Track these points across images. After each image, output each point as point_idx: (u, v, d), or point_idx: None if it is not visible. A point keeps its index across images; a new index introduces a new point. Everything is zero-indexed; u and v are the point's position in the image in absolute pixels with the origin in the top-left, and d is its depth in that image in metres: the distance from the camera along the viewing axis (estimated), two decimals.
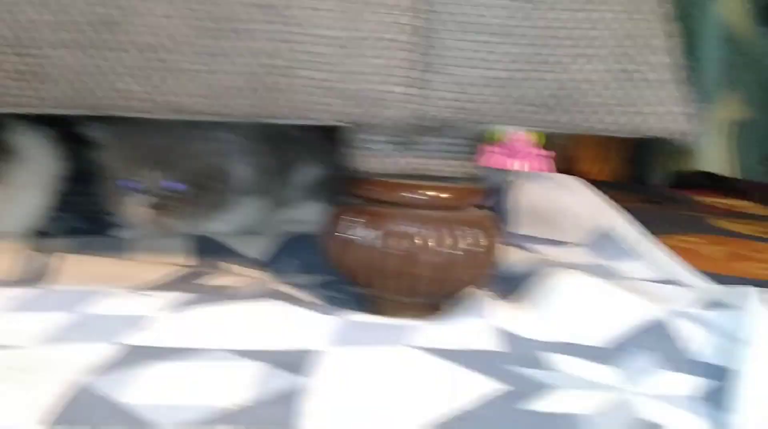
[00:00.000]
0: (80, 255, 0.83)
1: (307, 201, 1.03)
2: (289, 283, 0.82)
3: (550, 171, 1.69)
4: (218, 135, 0.95)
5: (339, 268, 0.74)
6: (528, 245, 0.95)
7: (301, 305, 0.72)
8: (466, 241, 0.70)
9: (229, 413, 0.50)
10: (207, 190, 0.95)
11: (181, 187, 0.93)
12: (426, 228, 0.69)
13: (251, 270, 0.89)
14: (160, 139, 0.93)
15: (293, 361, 0.57)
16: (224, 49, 0.63)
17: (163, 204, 0.92)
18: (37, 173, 0.93)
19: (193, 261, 0.90)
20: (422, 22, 0.61)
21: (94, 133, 0.95)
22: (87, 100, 0.65)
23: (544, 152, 1.76)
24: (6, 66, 0.65)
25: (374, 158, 0.68)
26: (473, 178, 0.70)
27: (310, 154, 1.04)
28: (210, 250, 0.92)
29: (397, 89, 0.62)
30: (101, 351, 0.58)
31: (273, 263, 0.91)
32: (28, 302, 0.69)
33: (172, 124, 0.92)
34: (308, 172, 1.03)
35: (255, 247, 0.93)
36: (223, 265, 0.89)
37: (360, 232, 0.70)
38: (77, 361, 0.55)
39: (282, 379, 0.54)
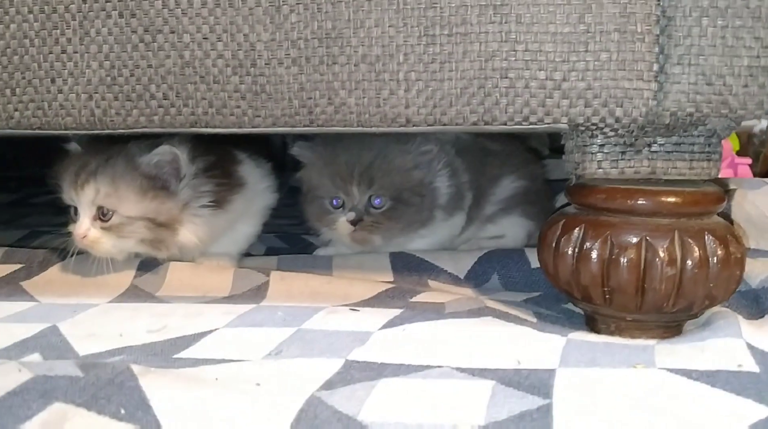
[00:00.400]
0: (290, 273, 0.84)
1: (508, 214, 1.00)
2: (495, 300, 0.78)
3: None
4: (422, 149, 0.93)
5: (557, 283, 0.69)
6: (760, 259, 0.85)
7: (518, 323, 0.69)
8: (704, 251, 0.62)
9: None
10: (410, 205, 0.94)
11: (385, 203, 0.93)
12: (658, 237, 0.62)
13: (456, 287, 0.86)
14: (364, 156, 0.93)
15: (527, 381, 0.53)
16: (439, 56, 0.61)
17: (368, 221, 0.93)
18: (256, 204, 0.97)
19: (390, 277, 0.89)
20: (660, 10, 0.56)
21: (299, 152, 0.98)
22: (305, 116, 0.66)
23: (744, 159, 1.61)
24: (227, 87, 0.66)
25: (599, 163, 0.62)
26: (712, 182, 0.64)
27: (511, 166, 1.00)
28: (407, 266, 0.90)
29: (634, 85, 0.57)
30: (328, 366, 0.57)
31: (471, 279, 0.88)
32: (250, 319, 0.70)
33: (375, 140, 0.93)
34: (509, 186, 1.00)
35: (452, 263, 0.90)
36: (427, 281, 0.87)
37: (583, 244, 0.65)
38: (308, 375, 0.54)
39: (518, 399, 0.50)
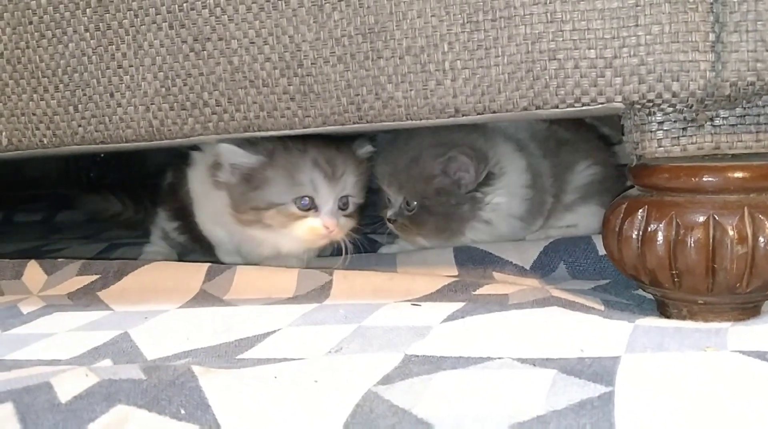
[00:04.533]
0: (354, 271, 0.84)
1: (586, 203, 0.97)
2: (562, 289, 0.76)
3: None
4: (456, 159, 0.91)
5: (623, 268, 0.66)
6: None
7: (584, 311, 0.66)
8: None
9: (525, 424, 0.45)
10: (434, 214, 0.93)
11: (413, 208, 0.94)
12: (726, 215, 0.59)
13: (521, 277, 0.84)
14: (400, 159, 0.94)
15: (590, 369, 0.51)
16: (484, 42, 0.60)
17: (400, 221, 0.95)
18: None
19: (454, 271, 0.87)
20: None
21: (368, 146, 0.97)
22: (353, 113, 0.65)
23: None
24: (276, 89, 0.67)
25: (660, 141, 0.60)
26: None
27: (583, 152, 0.97)
28: (471, 259, 0.89)
29: (690, 57, 0.54)
30: (387, 360, 0.56)
31: (537, 269, 0.86)
32: (312, 318, 0.70)
33: (420, 142, 0.93)
34: (583, 172, 0.97)
35: (517, 254, 0.88)
36: (492, 273, 0.85)
37: (647, 226, 0.62)
38: (366, 371, 0.54)
39: (579, 388, 0.48)
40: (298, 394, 0.50)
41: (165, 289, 0.85)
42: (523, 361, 0.54)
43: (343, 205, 0.88)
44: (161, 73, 0.69)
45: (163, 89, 0.69)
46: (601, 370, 0.51)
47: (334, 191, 0.88)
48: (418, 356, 0.57)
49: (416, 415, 0.46)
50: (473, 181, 0.92)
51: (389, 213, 0.96)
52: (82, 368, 0.55)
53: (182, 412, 0.48)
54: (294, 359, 0.59)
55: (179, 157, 1.01)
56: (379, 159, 0.98)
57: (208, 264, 0.88)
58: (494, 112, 0.61)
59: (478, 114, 0.62)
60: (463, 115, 0.62)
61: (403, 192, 0.94)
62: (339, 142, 0.90)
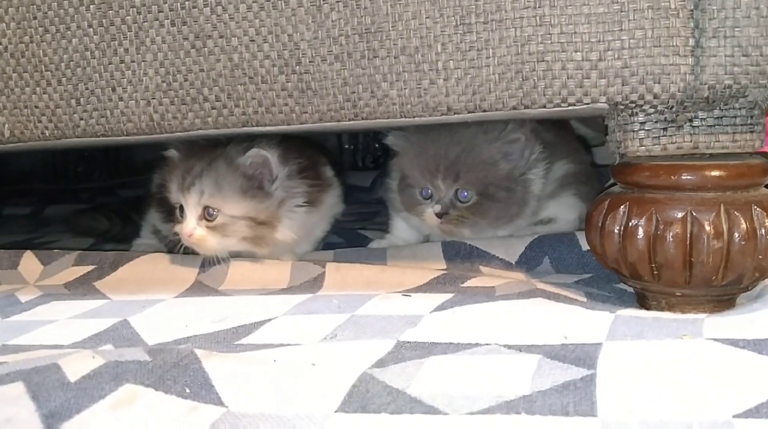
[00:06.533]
0: (346, 264, 0.86)
1: (557, 197, 1.00)
2: (546, 282, 0.79)
3: None
4: (509, 138, 0.92)
5: (605, 262, 0.69)
6: None
7: (568, 302, 0.70)
8: (751, 223, 0.62)
9: (513, 402, 0.48)
10: (497, 200, 0.93)
11: (471, 197, 0.92)
12: (703, 211, 0.63)
13: (507, 271, 0.87)
14: (450, 148, 0.92)
15: (572, 355, 0.54)
16: (476, 43, 0.63)
17: (453, 214, 0.93)
18: (331, 209, 1.02)
19: (443, 265, 0.90)
20: None
21: (393, 141, 0.98)
22: (349, 110, 0.68)
23: None
24: (275, 86, 0.69)
25: (641, 140, 0.63)
26: (756, 153, 0.63)
27: (562, 152, 1.00)
28: (459, 254, 0.92)
29: (671, 60, 0.58)
30: (380, 346, 0.59)
31: (523, 263, 0.89)
32: (307, 307, 0.73)
33: (464, 131, 0.92)
34: (559, 169, 1.00)
35: (503, 249, 0.91)
36: (479, 267, 0.88)
37: (628, 222, 0.65)
38: (361, 356, 0.56)
39: (563, 371, 0.51)
40: (296, 375, 0.53)
41: (161, 280, 0.87)
42: (509, 347, 0.57)
43: (208, 216, 0.87)
44: (162, 69, 0.71)
45: (164, 84, 0.72)
46: (583, 355, 0.54)
47: (190, 200, 0.88)
48: (410, 342, 0.60)
49: (410, 395, 0.49)
50: (526, 163, 0.93)
51: (435, 208, 0.93)
52: (87, 351, 0.57)
53: (187, 391, 0.50)
54: (291, 345, 0.61)
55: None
56: (409, 156, 0.96)
57: (203, 256, 0.90)
58: (485, 110, 0.64)
59: (470, 112, 0.65)
60: (455, 114, 0.65)
61: (459, 183, 0.92)
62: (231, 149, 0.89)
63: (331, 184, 0.99)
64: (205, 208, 0.88)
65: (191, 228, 0.87)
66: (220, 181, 0.87)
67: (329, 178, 0.99)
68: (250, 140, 0.89)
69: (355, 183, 1.59)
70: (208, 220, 0.88)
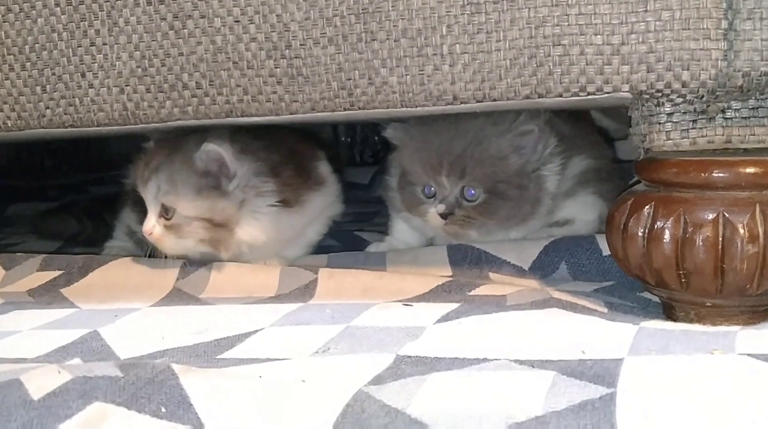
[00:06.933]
0: (341, 270, 0.87)
1: (575, 195, 1.00)
2: (562, 291, 0.79)
3: None
4: (521, 130, 0.91)
5: (628, 268, 0.69)
6: None
7: (586, 313, 0.70)
8: None
9: (524, 424, 0.48)
10: (507, 199, 0.92)
11: (478, 196, 0.92)
12: (736, 212, 0.62)
13: (520, 278, 0.87)
14: (456, 142, 0.92)
15: (591, 371, 0.54)
16: (485, 26, 0.63)
17: (459, 215, 0.92)
18: (329, 210, 1.02)
19: (448, 271, 0.90)
20: None
21: (393, 134, 0.98)
22: (344, 98, 0.68)
23: None
24: (262, 72, 0.70)
25: (668, 133, 0.63)
26: None
27: (580, 146, 1.00)
28: (466, 258, 0.92)
29: (701, 45, 0.57)
30: (378, 361, 0.59)
31: (536, 270, 0.89)
32: (297, 317, 0.73)
33: (470, 122, 0.91)
34: (577, 164, 1.00)
35: (515, 254, 0.91)
36: (488, 274, 0.88)
37: (654, 224, 0.65)
38: (356, 371, 0.56)
39: (580, 389, 0.51)
40: (284, 393, 0.53)
41: (135, 287, 0.87)
42: (521, 362, 0.57)
43: (165, 214, 0.88)
44: (137, 53, 0.71)
45: (140, 70, 0.72)
46: (602, 372, 0.54)
47: (148, 195, 0.89)
48: (410, 357, 0.60)
49: (410, 415, 0.49)
50: (540, 157, 0.92)
51: (439, 208, 0.92)
52: (53, 365, 0.57)
53: (163, 410, 0.50)
54: (279, 359, 0.61)
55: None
56: (410, 150, 0.96)
57: (182, 260, 0.90)
58: (494, 100, 0.64)
59: (478, 102, 0.65)
60: (461, 103, 0.65)
61: (465, 179, 0.91)
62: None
63: (322, 181, 0.99)
64: (162, 205, 0.88)
65: (150, 226, 0.88)
66: (174, 177, 0.88)
67: (320, 176, 0.99)
68: (233, 131, 0.89)
69: (352, 180, 1.59)
70: (165, 219, 0.88)
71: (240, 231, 0.89)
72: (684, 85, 0.59)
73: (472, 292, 0.78)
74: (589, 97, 0.63)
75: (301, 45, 0.68)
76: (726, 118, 0.62)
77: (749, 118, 0.61)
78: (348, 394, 0.52)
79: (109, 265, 0.91)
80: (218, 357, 0.64)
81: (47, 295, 0.88)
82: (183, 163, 0.88)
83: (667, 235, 0.64)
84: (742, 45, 0.57)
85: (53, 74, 0.74)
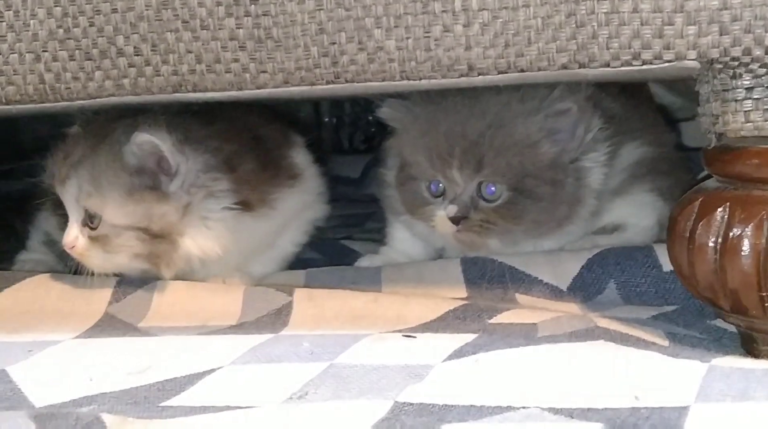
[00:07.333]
0: (323, 290, 0.86)
1: (626, 193, 0.99)
2: (611, 318, 0.79)
3: None
4: (555, 109, 0.90)
5: (695, 288, 0.69)
6: None
7: (641, 347, 0.70)
8: None
9: None
10: (538, 199, 0.92)
11: (500, 193, 0.91)
12: None
13: (556, 301, 0.87)
14: (471, 124, 0.90)
15: (647, 423, 0.54)
16: None
17: (475, 219, 0.92)
18: (306, 213, 1.04)
19: (462, 291, 0.90)
20: None
21: (390, 113, 0.97)
22: (327, 68, 0.68)
23: None
24: (220, 34, 0.69)
25: (747, 114, 0.63)
26: None
27: (633, 130, 1.00)
28: (485, 276, 0.92)
29: None
30: (370, 410, 0.59)
31: (577, 290, 0.89)
32: (265, 352, 0.73)
33: (490, 100, 0.90)
34: (630, 154, 0.99)
35: (550, 269, 0.91)
36: (515, 295, 0.88)
37: (729, 231, 0.65)
38: (341, 425, 0.56)
39: None
40: None
41: (56, 312, 0.87)
42: (556, 411, 0.57)
43: (90, 222, 0.88)
44: (58, 8, 0.71)
45: (61, 30, 0.72)
46: (662, 424, 0.54)
47: (68, 197, 0.89)
48: (412, 404, 0.60)
49: None
50: (580, 145, 0.92)
51: (450, 211, 0.92)
52: None
53: None
54: (241, 407, 0.61)
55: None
56: (413, 136, 0.96)
57: (116, 278, 0.90)
58: (522, 70, 0.64)
59: (500, 73, 0.65)
60: (479, 74, 0.65)
61: (483, 173, 0.91)
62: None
63: (298, 175, 0.98)
64: (86, 211, 0.88)
65: (72, 237, 0.88)
66: (99, 175, 0.87)
67: (295, 168, 0.99)
68: (175, 112, 0.88)
69: (338, 173, 1.59)
70: (90, 228, 0.88)
71: (186, 242, 0.88)
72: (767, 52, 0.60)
73: (493, 320, 0.78)
74: (645, 66, 0.63)
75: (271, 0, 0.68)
76: None
77: None
78: None
79: (22, 284, 0.91)
80: (162, 404, 0.64)
81: None
82: (110, 156, 0.87)
83: (746, 246, 0.65)
84: None
85: None
